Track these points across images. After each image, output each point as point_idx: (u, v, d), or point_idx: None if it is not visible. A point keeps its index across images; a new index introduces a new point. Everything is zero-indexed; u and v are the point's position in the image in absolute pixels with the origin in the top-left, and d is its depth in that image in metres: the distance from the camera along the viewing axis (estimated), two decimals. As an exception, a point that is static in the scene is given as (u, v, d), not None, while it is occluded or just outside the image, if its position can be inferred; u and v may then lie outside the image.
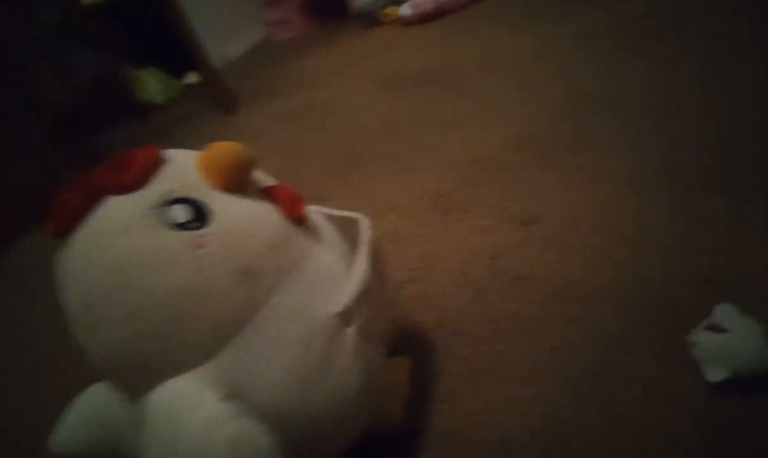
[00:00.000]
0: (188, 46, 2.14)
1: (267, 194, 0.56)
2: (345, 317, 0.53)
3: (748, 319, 0.59)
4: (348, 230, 0.66)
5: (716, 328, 0.58)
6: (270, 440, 0.44)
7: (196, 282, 0.47)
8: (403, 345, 0.75)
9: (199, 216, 0.49)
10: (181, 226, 0.48)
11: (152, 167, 0.50)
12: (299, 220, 0.56)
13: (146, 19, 2.43)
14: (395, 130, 1.48)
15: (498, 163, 1.13)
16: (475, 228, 0.98)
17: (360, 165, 1.33)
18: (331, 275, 0.56)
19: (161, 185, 0.49)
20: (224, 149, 0.52)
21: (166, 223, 0.47)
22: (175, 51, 2.24)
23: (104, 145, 2.20)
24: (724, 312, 0.60)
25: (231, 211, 0.51)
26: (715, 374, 0.57)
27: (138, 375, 0.47)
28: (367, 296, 0.56)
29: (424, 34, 2.23)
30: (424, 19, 2.32)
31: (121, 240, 0.46)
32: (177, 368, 0.46)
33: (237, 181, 0.52)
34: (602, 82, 1.29)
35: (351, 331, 0.54)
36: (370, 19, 2.63)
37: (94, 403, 0.66)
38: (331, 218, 0.66)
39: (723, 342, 0.57)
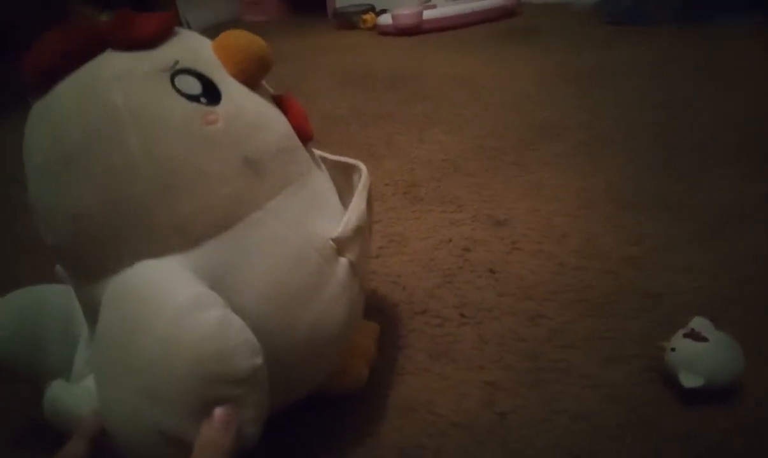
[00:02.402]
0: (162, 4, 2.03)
1: (277, 102, 0.51)
2: (341, 244, 0.49)
3: (722, 332, 0.59)
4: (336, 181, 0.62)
5: (696, 336, 0.58)
6: (254, 338, 0.39)
7: (198, 157, 0.41)
8: (371, 313, 0.72)
9: (209, 93, 0.44)
10: (190, 98, 0.42)
11: (165, 31, 0.44)
12: (306, 137, 0.52)
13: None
14: (364, 121, 1.46)
15: (468, 166, 1.14)
16: (446, 219, 0.96)
17: (329, 146, 1.29)
18: (330, 201, 0.53)
19: (171, 52, 0.44)
20: (245, 36, 0.47)
21: (175, 89, 0.42)
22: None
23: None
24: (701, 324, 0.61)
25: (242, 100, 0.46)
26: (690, 380, 0.56)
27: (107, 251, 0.40)
28: (361, 233, 0.53)
29: (399, 44, 2.24)
30: (402, 32, 2.33)
31: (121, 89, 0.40)
32: (155, 249, 0.40)
33: (252, 73, 0.47)
34: (553, 113, 1.36)
35: (343, 261, 0.50)
36: (348, 22, 2.62)
37: (21, 305, 0.58)
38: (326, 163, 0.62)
39: (702, 350, 0.57)
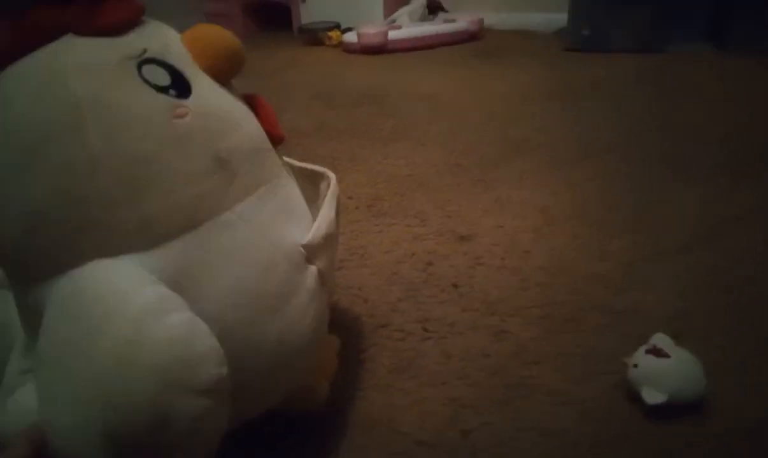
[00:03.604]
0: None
1: (248, 103, 0.49)
2: (311, 252, 0.47)
3: (682, 349, 0.60)
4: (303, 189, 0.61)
5: (658, 352, 0.59)
6: (219, 346, 0.36)
7: (166, 151, 0.39)
8: (332, 327, 0.70)
9: (179, 86, 0.41)
10: (158, 89, 0.40)
11: (132, 18, 0.42)
12: (277, 140, 0.50)
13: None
14: (328, 136, 1.44)
15: (432, 183, 1.13)
16: (409, 233, 0.95)
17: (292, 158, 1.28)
18: (299, 208, 0.51)
19: (139, 40, 0.41)
20: (218, 31, 0.45)
21: (142, 79, 0.39)
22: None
23: None
24: (661, 341, 0.61)
25: (213, 96, 0.44)
26: (653, 396, 0.56)
27: (60, 249, 0.37)
28: (330, 242, 0.51)
29: (364, 62, 2.24)
30: (367, 50, 2.34)
31: (82, 77, 0.37)
32: (114, 248, 0.37)
33: (224, 69, 0.45)
34: (517, 131, 1.37)
35: (312, 270, 0.48)
36: (313, 39, 2.61)
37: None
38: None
39: (665, 366, 0.58)
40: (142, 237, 0.38)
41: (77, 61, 0.38)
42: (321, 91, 1.84)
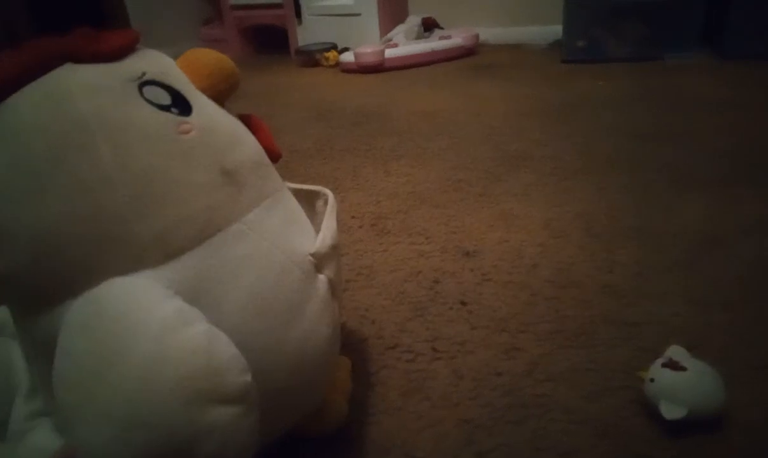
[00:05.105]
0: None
1: (243, 121, 0.49)
2: (320, 260, 0.47)
3: (699, 360, 0.58)
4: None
5: (674, 365, 0.57)
6: (239, 353, 0.35)
7: (175, 166, 0.38)
8: (341, 348, 0.68)
9: (180, 104, 0.41)
10: (161, 108, 0.39)
11: (130, 45, 0.41)
12: (275, 156, 0.49)
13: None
14: (329, 155, 1.44)
15: (435, 199, 1.13)
16: (414, 251, 0.94)
17: (294, 180, 1.27)
18: (303, 219, 0.50)
19: (137, 64, 0.41)
20: (211, 53, 0.45)
21: (144, 99, 0.39)
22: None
23: None
24: (677, 353, 0.60)
25: (212, 114, 0.43)
26: (672, 412, 0.55)
27: (73, 271, 0.36)
28: (336, 252, 0.50)
29: (362, 81, 2.25)
30: (364, 69, 2.35)
31: (87, 99, 0.37)
32: (130, 265, 0.36)
33: (221, 88, 0.45)
34: (519, 145, 1.37)
35: (323, 279, 0.47)
36: (310, 60, 2.62)
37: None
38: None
39: (682, 380, 0.56)
40: (156, 252, 0.37)
41: (82, 83, 0.38)
42: (320, 112, 1.84)
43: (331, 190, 0.60)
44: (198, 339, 0.33)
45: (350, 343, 0.73)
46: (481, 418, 0.60)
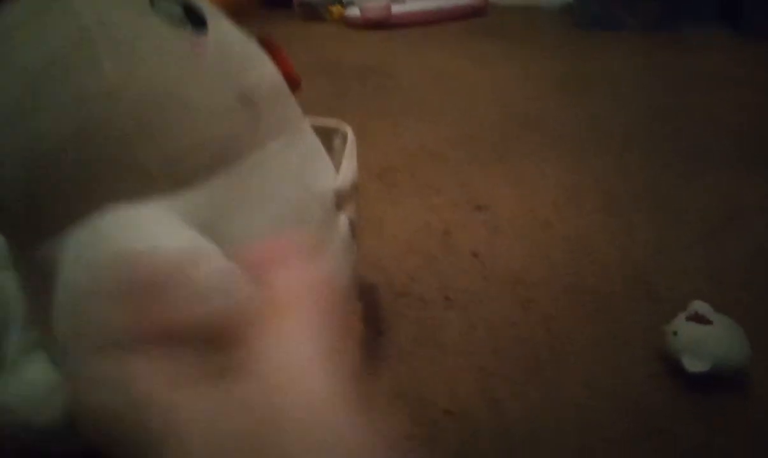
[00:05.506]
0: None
1: (262, 44, 0.45)
2: (341, 198, 0.44)
3: (725, 315, 0.57)
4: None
5: (699, 319, 0.56)
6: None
7: (188, 85, 0.35)
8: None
9: (194, 20, 0.37)
10: (174, 23, 0.36)
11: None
12: (294, 84, 0.46)
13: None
14: (334, 111, 1.39)
15: (444, 155, 1.10)
16: (424, 204, 0.92)
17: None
18: (323, 155, 0.47)
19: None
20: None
21: (155, 11, 0.36)
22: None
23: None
24: (702, 307, 0.58)
25: (230, 34, 0.40)
26: (695, 365, 0.53)
27: (74, 196, 0.33)
28: (356, 192, 0.48)
29: (367, 37, 2.19)
30: (369, 24, 2.29)
31: (89, 6, 0.33)
32: (137, 190, 0.33)
33: (239, 6, 0.41)
34: (530, 108, 1.33)
35: (344, 218, 0.45)
36: (314, 14, 2.55)
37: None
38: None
39: (706, 333, 0.55)
40: (167, 179, 0.34)
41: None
42: (325, 67, 1.79)
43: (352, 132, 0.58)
44: (213, 275, 0.30)
45: (360, 289, 0.71)
46: (495, 367, 0.58)
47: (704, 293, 0.69)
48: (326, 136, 0.57)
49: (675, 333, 0.56)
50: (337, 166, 0.51)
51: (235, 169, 0.37)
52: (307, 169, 0.42)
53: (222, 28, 0.40)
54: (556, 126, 1.23)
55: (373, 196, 0.94)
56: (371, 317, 0.66)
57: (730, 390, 0.54)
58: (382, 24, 2.28)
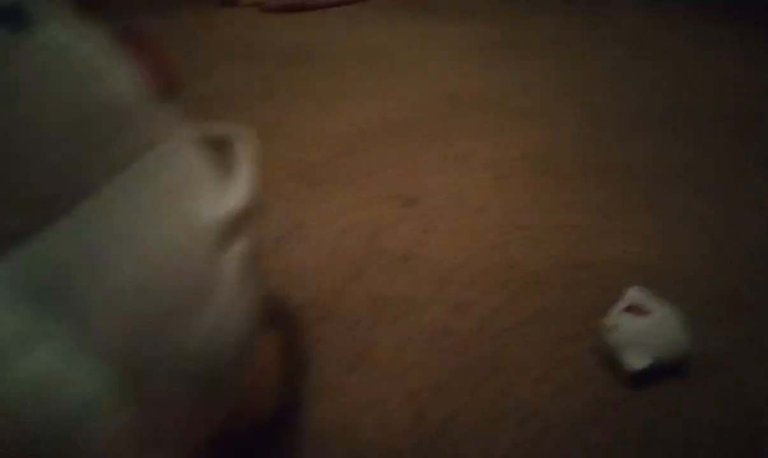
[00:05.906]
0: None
1: (134, 46, 0.38)
2: (230, 226, 0.37)
3: (661, 301, 0.54)
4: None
5: (637, 310, 0.52)
6: (105, 383, 0.26)
7: (4, 108, 0.27)
8: (270, 322, 0.60)
9: (10, 17, 0.29)
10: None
11: None
12: (174, 89, 0.39)
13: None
14: (255, 100, 1.32)
15: (373, 140, 1.04)
16: (349, 203, 0.86)
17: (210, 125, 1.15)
18: (206, 176, 0.40)
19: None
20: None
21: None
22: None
23: None
24: (638, 295, 0.55)
25: (68, 33, 0.32)
26: (637, 361, 0.50)
27: None
28: (250, 215, 0.41)
29: (286, 21, 2.09)
30: (287, 8, 2.18)
31: None
32: None
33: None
34: (466, 86, 1.29)
35: (236, 249, 0.38)
36: (227, -1, 2.42)
37: None
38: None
39: (646, 325, 0.51)
40: None
41: None
42: (241, 53, 1.69)
43: (254, 137, 0.50)
44: (44, 364, 0.24)
45: (282, 313, 0.65)
46: (430, 389, 0.53)
47: (639, 258, 0.66)
48: (220, 145, 0.50)
49: (613, 328, 0.53)
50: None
51: (80, 211, 0.29)
52: (184, 193, 0.35)
53: (56, 27, 0.32)
54: (488, 100, 1.19)
55: (294, 198, 0.88)
56: (292, 349, 0.60)
57: (670, 376, 0.51)
58: (301, 7, 2.18)
